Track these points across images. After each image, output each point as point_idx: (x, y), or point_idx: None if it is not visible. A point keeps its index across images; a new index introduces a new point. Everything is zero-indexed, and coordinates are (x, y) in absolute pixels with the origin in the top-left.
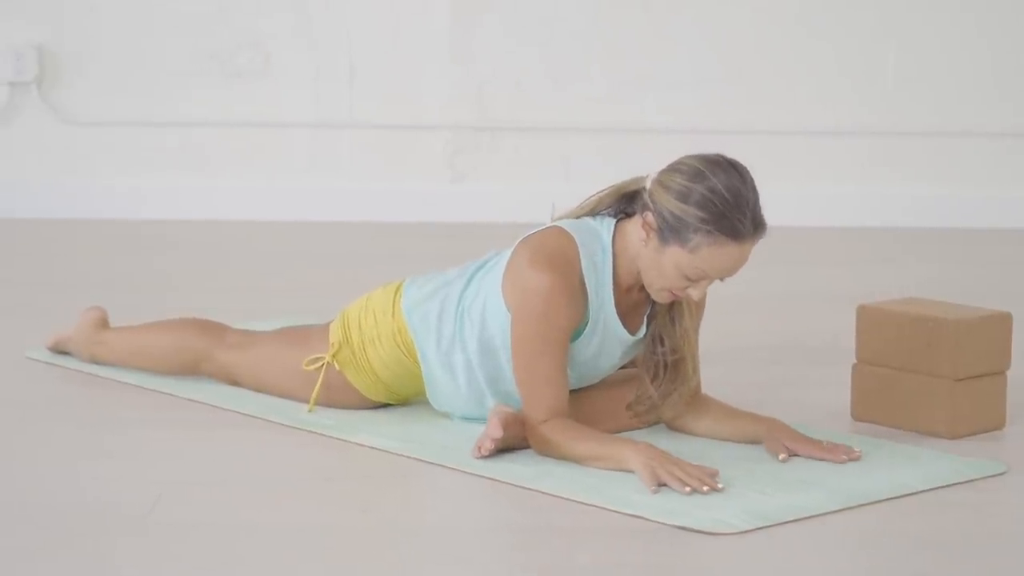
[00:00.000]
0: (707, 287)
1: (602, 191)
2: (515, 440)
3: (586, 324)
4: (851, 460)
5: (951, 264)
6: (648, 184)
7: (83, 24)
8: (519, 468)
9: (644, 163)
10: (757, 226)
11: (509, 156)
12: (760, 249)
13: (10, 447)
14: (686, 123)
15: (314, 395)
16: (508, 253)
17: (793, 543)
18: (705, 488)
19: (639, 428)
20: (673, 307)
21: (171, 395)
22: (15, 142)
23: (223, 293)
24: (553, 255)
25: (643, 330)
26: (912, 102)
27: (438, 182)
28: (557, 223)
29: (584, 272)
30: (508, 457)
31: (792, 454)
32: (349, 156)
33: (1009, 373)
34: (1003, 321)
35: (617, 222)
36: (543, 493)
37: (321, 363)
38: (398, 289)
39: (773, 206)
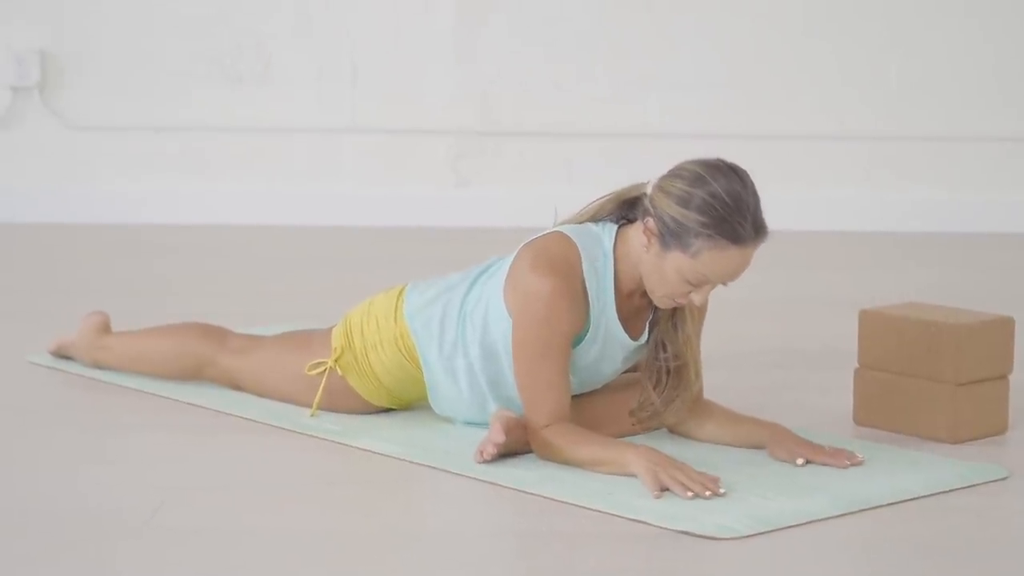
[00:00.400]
0: (709, 292)
1: (603, 197)
2: (517, 445)
3: (588, 329)
4: (854, 465)
5: (953, 269)
6: (649, 190)
7: (85, 28)
8: (521, 473)
9: (647, 167)
10: (758, 230)
11: (512, 160)
12: (762, 253)
13: (12, 452)
14: (689, 127)
15: (316, 400)
16: (511, 258)
17: (795, 548)
18: (707, 493)
19: (641, 433)
20: (675, 313)
21: (173, 400)
22: (17, 147)
23: (225, 298)
24: (555, 260)
25: (645, 335)
26: (915, 107)
27: (441, 186)
28: (559, 228)
29: (586, 277)
30: (510, 462)
31: (807, 460)
32: (351, 160)
33: (1011, 377)
34: (1005, 325)
35: (619, 228)
36: (545, 498)
37: (323, 368)
38: (400, 294)
39: (775, 210)
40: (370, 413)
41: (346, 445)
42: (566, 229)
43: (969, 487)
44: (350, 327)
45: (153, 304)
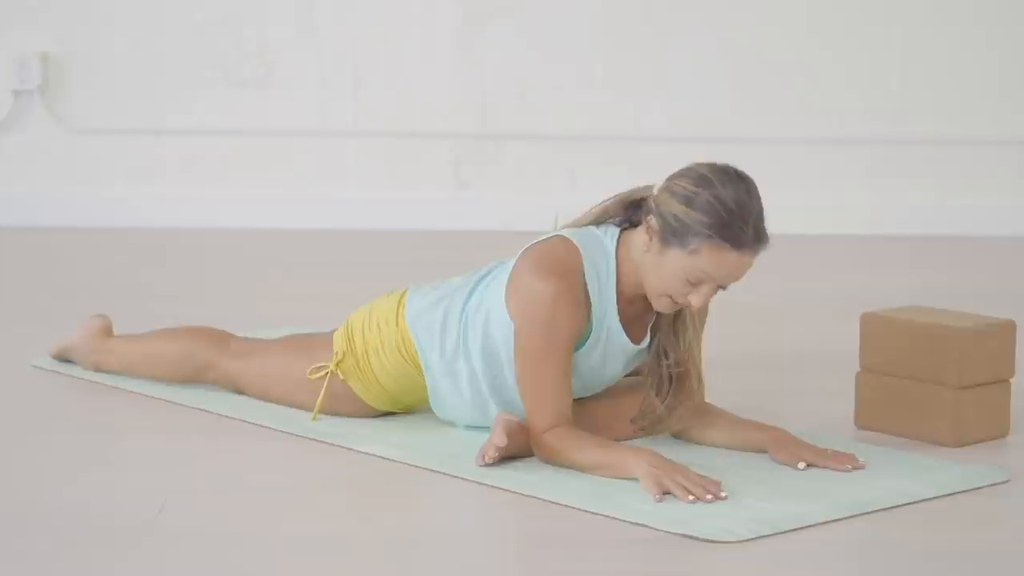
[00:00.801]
0: (708, 295)
1: (607, 200)
2: (519, 448)
3: (589, 333)
4: (856, 469)
5: (955, 272)
6: (655, 191)
7: (86, 32)
8: (523, 476)
9: (648, 172)
10: (759, 238)
11: (513, 165)
12: (765, 257)
13: (14, 455)
14: (691, 132)
15: (318, 404)
16: (512, 262)
17: (797, 552)
18: (709, 496)
19: (642, 436)
20: (677, 320)
21: (175, 403)
22: (19, 150)
23: (227, 301)
24: (556, 264)
25: (647, 340)
26: (917, 111)
27: (442, 191)
28: (560, 232)
29: (588, 281)
30: (512, 465)
31: (809, 464)
32: (353, 165)
33: (1013, 381)
34: (1007, 330)
35: (621, 231)
36: (547, 501)
37: (325, 371)
38: (402, 298)
39: (778, 214)
40: (371, 417)
41: (348, 449)
42: (568, 233)
43: (972, 490)
44: (351, 331)
45: (155, 308)
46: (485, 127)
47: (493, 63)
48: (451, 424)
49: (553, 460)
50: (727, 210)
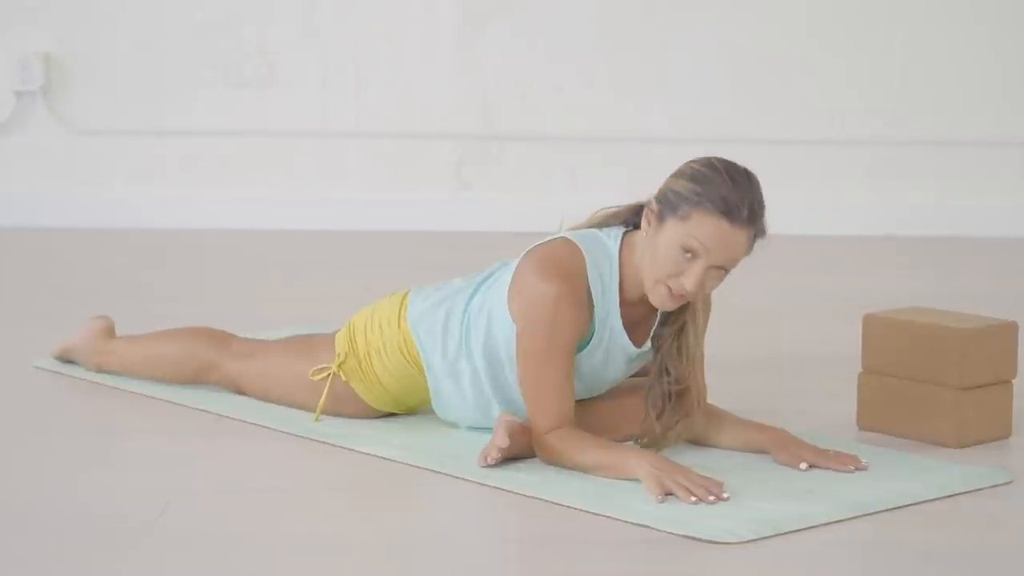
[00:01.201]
0: (699, 275)
1: (616, 207)
2: (521, 449)
3: (592, 335)
4: (858, 470)
5: (957, 273)
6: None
7: (88, 32)
8: (525, 477)
9: (649, 172)
10: (753, 218)
11: (515, 166)
12: (766, 258)
13: (16, 455)
14: (691, 132)
15: (320, 405)
16: (515, 263)
17: (799, 553)
18: (711, 497)
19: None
20: (681, 335)
21: (176, 404)
22: (21, 151)
23: (229, 302)
24: (559, 265)
25: (648, 343)
26: (918, 111)
27: (444, 191)
28: (564, 234)
29: (590, 282)
30: (514, 466)
31: (811, 465)
32: (355, 166)
33: (1015, 382)
34: (1009, 330)
35: (625, 234)
36: (549, 502)
37: (327, 372)
38: (404, 299)
39: (780, 215)
40: (374, 418)
41: (350, 450)
42: (571, 235)
43: (974, 491)
44: (354, 332)
45: (157, 309)
46: (486, 128)
47: (494, 63)
48: (453, 425)
49: (555, 461)
50: (722, 180)
